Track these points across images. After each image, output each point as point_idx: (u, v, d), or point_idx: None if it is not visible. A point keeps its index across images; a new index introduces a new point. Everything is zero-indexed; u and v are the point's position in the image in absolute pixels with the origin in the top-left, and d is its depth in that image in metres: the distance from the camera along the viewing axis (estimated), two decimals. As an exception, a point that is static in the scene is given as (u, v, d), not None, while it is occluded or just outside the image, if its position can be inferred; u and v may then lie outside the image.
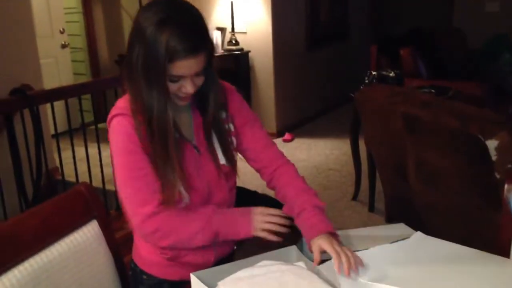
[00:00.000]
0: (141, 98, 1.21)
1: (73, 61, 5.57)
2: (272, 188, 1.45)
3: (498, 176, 2.03)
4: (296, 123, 5.39)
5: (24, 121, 2.97)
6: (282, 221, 1.27)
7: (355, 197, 3.62)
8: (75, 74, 5.59)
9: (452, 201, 2.35)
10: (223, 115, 1.36)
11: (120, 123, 1.25)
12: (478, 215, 2.21)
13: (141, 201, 1.24)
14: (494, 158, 2.02)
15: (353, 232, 1.38)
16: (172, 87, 1.20)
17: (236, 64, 4.88)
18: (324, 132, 5.25)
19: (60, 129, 3.34)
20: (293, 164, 1.47)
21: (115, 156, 1.26)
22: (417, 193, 2.58)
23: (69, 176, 3.50)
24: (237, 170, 1.44)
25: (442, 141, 2.29)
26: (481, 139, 2.05)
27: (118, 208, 3.52)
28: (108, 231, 1.40)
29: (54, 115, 3.07)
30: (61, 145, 3.38)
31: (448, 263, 1.16)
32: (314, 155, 4.65)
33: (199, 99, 1.30)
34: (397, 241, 1.24)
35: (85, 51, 5.75)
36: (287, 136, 5.07)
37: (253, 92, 5.13)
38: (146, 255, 1.40)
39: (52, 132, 4.02)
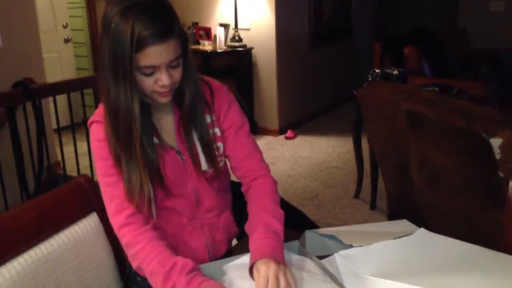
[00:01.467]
0: (107, 96, 1.14)
1: (76, 56, 5.57)
2: (245, 200, 1.36)
3: (502, 175, 2.02)
4: (298, 121, 5.38)
5: (26, 115, 2.97)
6: None
7: (357, 195, 3.61)
8: (78, 69, 5.59)
9: (455, 199, 2.33)
10: (208, 119, 1.30)
11: (94, 130, 1.23)
12: (482, 213, 2.20)
13: (114, 209, 1.20)
14: (498, 156, 2.01)
15: (355, 228, 1.37)
16: (147, 82, 1.12)
17: (239, 61, 4.87)
18: (326, 130, 5.24)
19: (63, 123, 3.34)
20: (271, 178, 1.35)
21: (95, 161, 1.24)
22: (420, 192, 2.57)
23: (71, 170, 3.50)
24: (227, 175, 1.40)
25: (446, 139, 2.28)
26: (485, 137, 2.03)
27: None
28: (107, 223, 1.39)
29: (56, 109, 3.07)
30: (63, 140, 3.38)
31: (452, 260, 1.15)
32: (317, 152, 4.64)
33: (178, 97, 1.23)
34: (400, 237, 1.23)
35: (88, 46, 5.74)
36: (289, 133, 5.06)
37: (256, 89, 5.12)
38: None
39: (55, 126, 4.03)
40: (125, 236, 1.18)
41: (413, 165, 2.54)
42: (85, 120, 3.43)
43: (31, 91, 2.89)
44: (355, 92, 3.15)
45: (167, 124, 1.28)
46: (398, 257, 1.14)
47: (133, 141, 1.15)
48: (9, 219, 1.20)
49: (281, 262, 1.09)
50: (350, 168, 4.12)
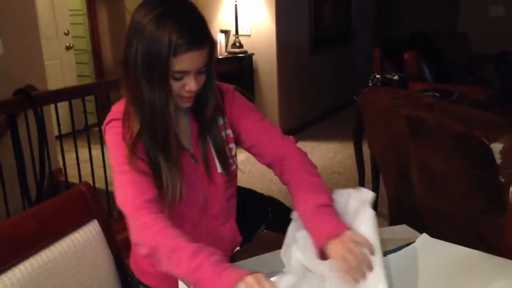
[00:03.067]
0: (141, 99, 1.16)
1: (77, 63, 5.59)
2: (284, 184, 1.36)
3: (502, 180, 2.02)
4: (299, 126, 5.38)
5: (28, 122, 2.98)
6: None
7: (358, 201, 3.60)
8: (79, 76, 5.61)
9: (456, 203, 2.33)
10: (220, 121, 1.32)
11: (115, 125, 1.23)
12: (482, 218, 2.20)
13: (133, 192, 1.17)
14: (498, 161, 2.01)
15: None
16: (175, 85, 1.16)
17: (240, 67, 4.88)
18: (327, 135, 5.25)
19: (64, 130, 3.35)
20: (298, 152, 1.35)
21: (112, 159, 1.22)
22: (421, 197, 2.57)
23: (73, 177, 3.50)
24: (236, 178, 1.40)
25: (446, 144, 2.28)
26: (485, 142, 2.04)
27: (121, 209, 3.52)
28: (108, 231, 1.40)
29: (58, 116, 3.07)
30: (65, 147, 3.39)
31: (454, 267, 1.14)
32: (318, 158, 4.64)
33: (196, 102, 1.26)
34: (401, 245, 1.23)
35: (89, 53, 5.77)
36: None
37: (257, 95, 5.13)
38: (143, 265, 1.37)
39: (56, 133, 4.04)
40: (142, 217, 1.14)
41: (413, 170, 2.55)
42: (87, 127, 3.43)
43: (33, 99, 2.90)
44: (356, 98, 3.16)
45: (183, 126, 1.30)
46: (405, 270, 1.13)
47: (170, 143, 1.19)
48: (10, 226, 1.20)
49: (344, 229, 1.10)
50: (351, 174, 4.12)
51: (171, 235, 1.11)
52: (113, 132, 1.23)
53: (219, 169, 1.30)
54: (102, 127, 1.27)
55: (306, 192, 1.22)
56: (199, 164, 1.29)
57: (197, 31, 1.14)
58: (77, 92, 3.23)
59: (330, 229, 1.11)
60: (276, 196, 1.95)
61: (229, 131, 1.34)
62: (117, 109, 1.25)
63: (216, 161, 1.30)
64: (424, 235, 1.27)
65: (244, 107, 1.36)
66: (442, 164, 2.32)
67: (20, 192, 3.08)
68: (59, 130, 3.21)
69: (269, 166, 1.37)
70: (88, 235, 1.32)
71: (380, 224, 1.18)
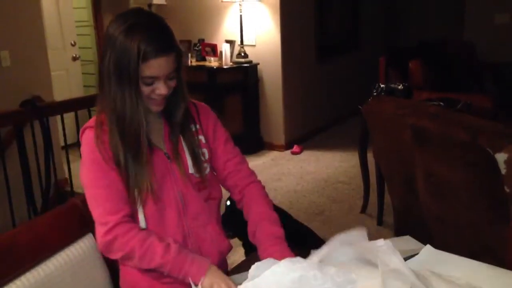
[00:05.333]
0: (113, 104, 1.24)
1: (83, 73, 5.63)
2: (241, 208, 1.47)
3: (507, 190, 2.00)
4: (304, 135, 5.38)
5: (34, 132, 3.00)
6: None
7: (363, 210, 3.59)
8: (85, 86, 5.65)
9: (461, 214, 2.32)
10: (193, 128, 1.40)
11: (88, 135, 1.30)
12: (488, 228, 2.18)
13: (110, 209, 1.26)
14: (503, 171, 2.00)
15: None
16: (146, 90, 1.25)
17: (245, 77, 4.90)
18: (333, 145, 5.24)
19: (70, 140, 3.37)
20: (260, 183, 1.49)
21: (82, 166, 1.30)
22: (426, 206, 2.56)
23: (79, 187, 3.51)
24: (214, 182, 1.46)
25: (451, 154, 2.27)
26: (490, 152, 2.03)
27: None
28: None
29: (64, 126, 3.09)
30: (71, 157, 3.40)
31: (461, 279, 1.13)
32: (323, 167, 4.63)
33: (167, 107, 1.35)
34: (405, 257, 1.22)
35: (95, 64, 5.81)
36: (295, 148, 5.06)
37: (262, 104, 5.14)
38: (132, 280, 1.39)
39: (62, 143, 4.06)
40: (117, 230, 1.25)
41: (419, 179, 2.54)
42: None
43: (39, 110, 2.92)
44: (360, 107, 3.16)
45: (156, 125, 1.37)
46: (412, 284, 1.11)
47: (140, 144, 1.26)
48: (6, 241, 1.20)
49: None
50: (356, 183, 4.11)
51: (145, 236, 1.26)
52: (87, 142, 1.30)
53: (190, 170, 1.36)
54: (79, 135, 1.34)
55: (266, 222, 1.37)
56: (173, 162, 1.35)
57: (164, 39, 1.24)
58: (83, 103, 3.25)
59: (279, 256, 1.23)
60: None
61: (201, 137, 1.42)
62: (92, 119, 1.34)
63: (190, 162, 1.37)
64: (428, 246, 1.26)
65: (220, 131, 1.47)
66: (447, 173, 2.31)
67: (26, 202, 3.10)
68: (65, 140, 3.23)
69: (229, 189, 1.49)
70: (84, 249, 1.32)
71: (385, 234, 1.18)
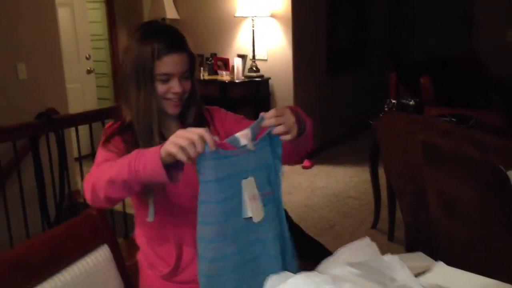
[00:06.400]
0: (129, 102, 1.33)
1: (98, 86, 5.71)
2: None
3: (520, 207, 2.00)
4: (315, 150, 5.39)
5: (49, 144, 3.05)
6: (198, 140, 1.05)
7: (374, 226, 3.58)
8: (99, 99, 5.72)
9: (473, 231, 2.31)
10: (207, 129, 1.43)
11: (108, 129, 1.38)
12: (500, 245, 2.17)
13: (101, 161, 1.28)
14: (515, 188, 2.00)
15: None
16: (162, 88, 1.32)
17: (257, 91, 4.94)
18: (343, 159, 5.24)
19: (83, 152, 3.41)
20: None
21: (98, 155, 1.33)
22: (438, 222, 2.55)
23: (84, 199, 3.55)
24: None
25: (463, 171, 2.27)
26: (502, 169, 2.03)
27: (137, 231, 3.55)
28: (118, 256, 1.40)
29: (78, 139, 3.14)
30: (84, 168, 3.44)
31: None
32: (334, 182, 4.63)
33: (183, 111, 1.41)
34: (417, 273, 1.23)
35: (109, 77, 5.89)
36: (306, 162, 5.06)
37: (273, 119, 5.16)
38: (148, 285, 1.44)
39: (75, 155, 4.11)
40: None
41: (430, 196, 2.53)
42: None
43: (54, 122, 2.98)
44: (371, 123, 3.17)
45: (173, 127, 1.41)
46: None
47: (153, 140, 1.32)
48: (22, 252, 1.21)
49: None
50: (367, 198, 4.10)
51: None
52: (103, 131, 1.38)
53: None
54: (103, 132, 1.40)
55: None
56: (188, 166, 1.34)
57: (176, 39, 1.33)
58: (97, 116, 3.30)
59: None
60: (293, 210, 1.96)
61: (216, 138, 1.41)
62: (114, 123, 1.43)
63: None
64: (440, 263, 1.26)
65: (236, 117, 1.52)
66: (459, 190, 2.31)
67: (40, 213, 3.14)
68: (79, 152, 3.27)
69: None
70: (99, 260, 1.33)
71: (396, 250, 1.19)
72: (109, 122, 1.44)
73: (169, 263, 1.40)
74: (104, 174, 1.15)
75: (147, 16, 5.54)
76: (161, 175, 1.06)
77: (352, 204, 4.09)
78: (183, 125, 1.41)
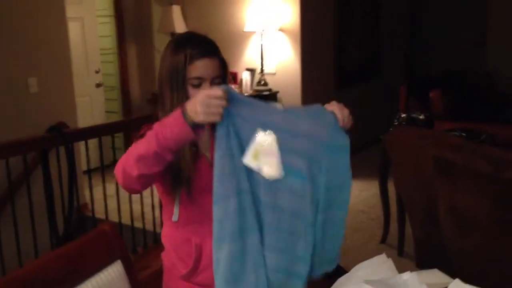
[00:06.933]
0: (164, 107, 1.38)
1: (106, 99, 5.74)
2: None
3: (534, 223, 1.98)
4: (323, 164, 5.36)
5: (59, 157, 3.05)
6: (218, 101, 1.18)
7: (383, 240, 3.55)
8: (107, 112, 5.75)
9: (486, 247, 2.28)
10: None
11: (145, 127, 1.41)
12: (514, 263, 2.14)
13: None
14: (529, 204, 1.98)
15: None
16: (194, 92, 1.36)
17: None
18: (353, 173, 5.19)
19: (92, 165, 3.42)
20: None
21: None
22: (449, 238, 2.52)
23: (98, 212, 3.55)
24: None
25: (475, 186, 2.25)
26: (516, 184, 2.01)
27: (146, 245, 3.53)
28: (131, 272, 1.40)
29: (87, 152, 3.14)
30: (93, 182, 3.44)
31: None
32: (342, 196, 4.60)
33: None
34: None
35: (118, 90, 5.92)
36: (314, 176, 5.04)
37: (281, 132, 5.15)
38: (169, 285, 1.51)
39: (84, 168, 4.12)
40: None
41: (441, 211, 2.51)
42: (114, 162, 3.50)
43: (65, 136, 2.99)
44: (381, 137, 3.16)
45: (205, 135, 1.45)
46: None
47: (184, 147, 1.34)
48: (37, 268, 1.21)
49: None
50: (376, 212, 4.08)
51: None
52: (142, 131, 1.42)
53: None
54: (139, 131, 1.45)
55: None
56: None
57: (208, 45, 1.41)
58: (107, 130, 3.32)
59: None
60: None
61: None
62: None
63: None
64: (457, 280, 1.24)
65: None
66: (472, 206, 2.29)
67: (49, 226, 3.14)
68: (88, 165, 3.27)
69: None
70: (113, 276, 1.33)
71: (406, 265, 1.17)
72: (145, 124, 1.47)
73: (188, 264, 1.44)
74: (133, 154, 1.23)
75: (156, 30, 5.58)
76: (188, 132, 1.18)
77: (361, 218, 4.06)
78: (214, 130, 1.41)
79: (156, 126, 1.21)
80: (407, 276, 1.13)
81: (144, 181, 1.26)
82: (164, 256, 1.54)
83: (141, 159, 1.20)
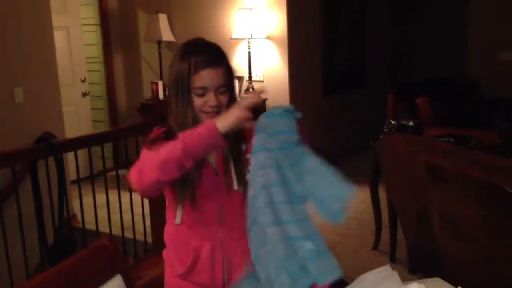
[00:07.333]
0: (171, 114, 1.43)
1: (92, 108, 5.69)
2: None
3: (526, 228, 2.00)
4: (312, 170, 5.37)
5: (48, 168, 3.01)
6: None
7: (375, 247, 3.57)
8: (94, 121, 5.69)
9: (479, 252, 2.31)
10: (243, 147, 1.48)
11: (155, 131, 1.46)
12: (507, 267, 2.17)
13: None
14: (521, 209, 2.00)
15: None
16: (198, 102, 1.39)
17: (253, 112, 4.93)
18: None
19: (81, 175, 3.37)
20: None
21: (142, 152, 1.39)
22: (442, 244, 2.55)
23: (88, 223, 3.50)
24: None
25: (467, 192, 2.28)
26: (507, 190, 2.04)
27: (136, 255, 3.50)
28: (131, 285, 1.40)
29: (77, 163, 3.10)
30: (83, 191, 3.39)
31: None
32: (331, 202, 4.61)
33: None
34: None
35: (104, 99, 5.87)
36: (303, 183, 5.05)
37: (270, 139, 5.16)
38: (168, 282, 1.55)
39: (72, 178, 4.06)
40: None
41: (433, 217, 2.54)
42: (103, 171, 3.45)
43: (54, 147, 2.95)
44: (372, 144, 3.19)
45: None
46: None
47: None
48: (39, 284, 1.20)
49: None
50: (366, 219, 4.09)
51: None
52: (153, 134, 1.45)
53: (235, 186, 1.44)
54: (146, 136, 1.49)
55: None
56: (220, 178, 1.44)
57: (213, 54, 1.42)
58: (96, 140, 3.29)
59: None
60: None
61: (249, 156, 1.47)
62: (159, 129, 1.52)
63: (234, 178, 1.45)
64: (459, 288, 1.26)
65: None
66: (464, 211, 2.31)
67: (38, 238, 3.09)
68: (78, 175, 3.23)
69: None
70: (113, 290, 1.32)
71: (399, 271, 1.20)
72: (156, 127, 1.51)
73: (185, 264, 1.48)
74: (154, 159, 1.26)
75: (142, 39, 5.56)
76: (218, 139, 1.24)
77: (351, 225, 4.08)
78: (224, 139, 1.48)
79: (184, 134, 1.26)
80: (413, 286, 1.14)
81: (160, 187, 1.31)
82: (165, 253, 1.58)
83: (163, 165, 1.24)
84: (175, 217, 1.47)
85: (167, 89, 1.46)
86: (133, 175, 1.30)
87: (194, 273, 1.48)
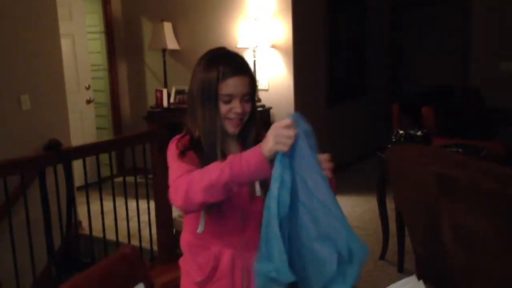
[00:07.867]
0: (195, 120, 1.45)
1: (96, 115, 5.69)
2: None
3: (541, 240, 2.00)
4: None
5: (57, 176, 3.00)
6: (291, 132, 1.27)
7: (382, 257, 3.56)
8: (98, 128, 5.69)
9: (492, 265, 2.30)
10: None
11: (177, 139, 1.48)
12: (522, 279, 2.16)
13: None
14: (536, 220, 2.00)
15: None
16: (224, 108, 1.42)
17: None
18: (345, 189, 5.23)
19: (79, 183, 3.36)
20: None
21: (171, 168, 1.42)
22: (453, 255, 2.54)
23: (95, 230, 3.47)
24: None
25: (480, 203, 2.27)
26: (522, 201, 2.04)
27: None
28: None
29: (85, 170, 3.09)
30: (81, 199, 3.38)
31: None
32: (336, 212, 4.60)
33: (243, 132, 1.50)
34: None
35: (108, 106, 5.88)
36: (307, 192, 5.04)
37: (274, 148, 5.16)
38: None
39: (77, 184, 4.05)
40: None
41: (445, 228, 2.53)
42: (111, 178, 3.44)
43: (63, 154, 2.95)
44: (380, 154, 3.19)
45: (233, 148, 1.51)
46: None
47: (216, 155, 1.41)
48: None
49: None
50: (372, 228, 4.09)
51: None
52: (173, 144, 1.47)
53: (258, 193, 1.45)
54: (170, 144, 1.50)
55: None
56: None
57: (240, 63, 1.45)
58: (105, 147, 3.28)
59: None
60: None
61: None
62: (179, 137, 1.52)
63: (257, 185, 1.45)
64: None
65: None
66: (477, 223, 2.31)
67: (46, 244, 3.07)
68: (86, 182, 3.21)
69: None
70: (136, 299, 1.32)
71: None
72: (176, 136, 1.52)
73: (204, 271, 1.48)
74: (200, 181, 1.26)
75: (147, 47, 5.57)
76: (266, 169, 1.22)
77: (357, 234, 4.07)
78: (243, 145, 1.49)
79: (232, 158, 1.26)
80: None
81: (204, 206, 1.32)
82: (181, 261, 1.57)
83: (210, 188, 1.25)
84: (196, 225, 1.47)
85: (188, 97, 1.51)
86: (178, 194, 1.31)
87: (213, 281, 1.47)
